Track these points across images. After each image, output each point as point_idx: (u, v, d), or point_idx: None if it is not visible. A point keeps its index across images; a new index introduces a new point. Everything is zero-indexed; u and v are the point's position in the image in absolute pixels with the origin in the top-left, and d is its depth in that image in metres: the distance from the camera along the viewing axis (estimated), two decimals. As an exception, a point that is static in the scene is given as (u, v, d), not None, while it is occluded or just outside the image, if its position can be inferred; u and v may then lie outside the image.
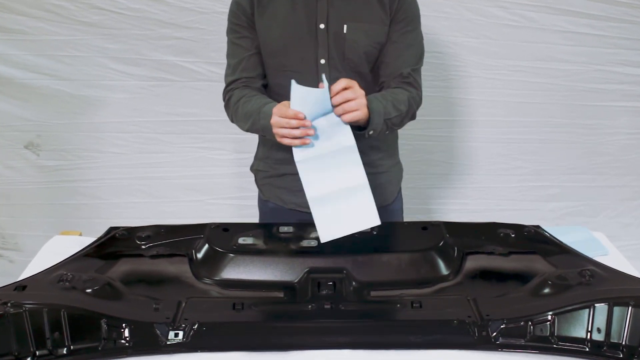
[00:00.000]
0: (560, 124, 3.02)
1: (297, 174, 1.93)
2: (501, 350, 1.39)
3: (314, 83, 1.88)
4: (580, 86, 2.95)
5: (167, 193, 3.03)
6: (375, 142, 1.96)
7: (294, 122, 1.64)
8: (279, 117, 1.67)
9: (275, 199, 2.08)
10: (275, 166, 2.06)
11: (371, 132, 1.77)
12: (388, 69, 1.92)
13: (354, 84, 1.68)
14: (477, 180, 3.11)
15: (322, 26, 1.86)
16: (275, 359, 1.40)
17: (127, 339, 1.39)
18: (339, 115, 1.67)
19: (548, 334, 1.41)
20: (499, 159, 3.08)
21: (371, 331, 1.44)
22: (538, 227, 1.88)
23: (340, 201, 1.67)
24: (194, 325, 1.41)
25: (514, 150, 3.07)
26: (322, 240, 1.66)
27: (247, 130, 1.90)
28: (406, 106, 1.87)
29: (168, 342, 1.39)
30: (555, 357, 1.39)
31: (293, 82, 1.65)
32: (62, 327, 1.37)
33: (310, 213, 1.92)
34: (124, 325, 1.40)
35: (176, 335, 1.40)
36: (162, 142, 2.94)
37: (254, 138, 2.14)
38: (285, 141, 1.68)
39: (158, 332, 1.40)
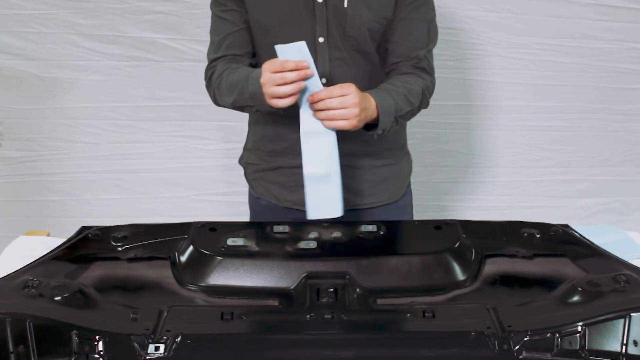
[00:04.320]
0: (591, 109, 3.03)
1: (292, 167, 1.95)
2: (525, 366, 1.39)
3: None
4: (614, 67, 2.95)
5: (146, 188, 3.03)
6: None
7: (292, 75, 1.64)
8: (271, 73, 1.66)
9: (267, 196, 2.08)
10: (267, 159, 2.06)
11: (380, 132, 1.79)
12: (399, 49, 1.92)
13: (349, 91, 1.70)
14: (497, 173, 3.12)
15: (319, 0, 1.85)
16: (269, 375, 1.40)
17: (101, 353, 1.39)
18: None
19: (578, 347, 1.41)
20: (523, 149, 3.08)
21: (378, 344, 1.44)
22: (566, 226, 1.88)
23: (332, 182, 1.76)
24: (177, 337, 1.41)
25: (539, 139, 3.07)
26: (309, 218, 1.78)
27: (232, 105, 1.89)
28: (419, 99, 1.90)
29: (147, 357, 1.39)
30: (586, 374, 1.40)
31: (277, 46, 1.67)
32: (27, 339, 1.37)
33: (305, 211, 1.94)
34: (97, 337, 1.40)
35: (157, 348, 1.40)
36: (141, 131, 2.94)
37: (244, 126, 2.14)
38: (279, 103, 1.68)
39: (136, 345, 1.40)
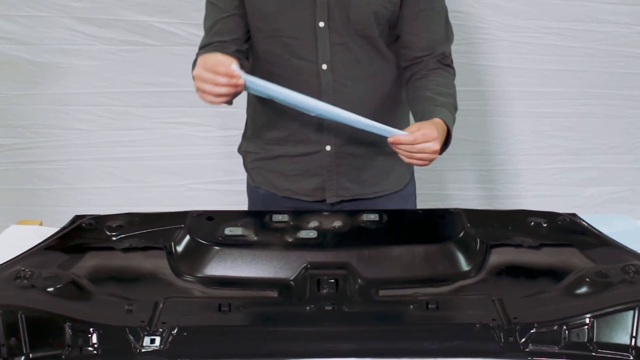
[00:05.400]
0: (600, 95, 3.02)
1: (291, 156, 1.95)
2: (531, 359, 1.39)
3: (312, 50, 1.87)
4: (623, 51, 2.95)
5: (142, 176, 3.03)
6: (383, 117, 1.94)
7: (223, 80, 1.62)
8: (204, 70, 1.64)
9: (266, 185, 2.08)
10: (266, 147, 2.05)
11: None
12: (420, 42, 1.94)
13: (431, 138, 1.72)
14: (503, 161, 3.11)
15: (319, -17, 1.85)
16: (268, 368, 1.40)
17: (95, 345, 1.39)
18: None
19: (586, 339, 1.40)
20: (530, 136, 3.08)
21: (379, 336, 1.44)
22: (574, 215, 1.88)
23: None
24: (173, 329, 1.41)
25: (546, 126, 3.06)
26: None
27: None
28: (456, 97, 1.94)
29: (143, 350, 1.39)
30: (594, 367, 1.40)
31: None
32: (19, 331, 1.37)
33: (307, 201, 1.94)
34: (91, 329, 1.40)
35: (152, 341, 1.40)
36: (136, 117, 2.94)
37: (243, 113, 2.13)
38: (214, 100, 1.68)
39: (131, 337, 1.40)
